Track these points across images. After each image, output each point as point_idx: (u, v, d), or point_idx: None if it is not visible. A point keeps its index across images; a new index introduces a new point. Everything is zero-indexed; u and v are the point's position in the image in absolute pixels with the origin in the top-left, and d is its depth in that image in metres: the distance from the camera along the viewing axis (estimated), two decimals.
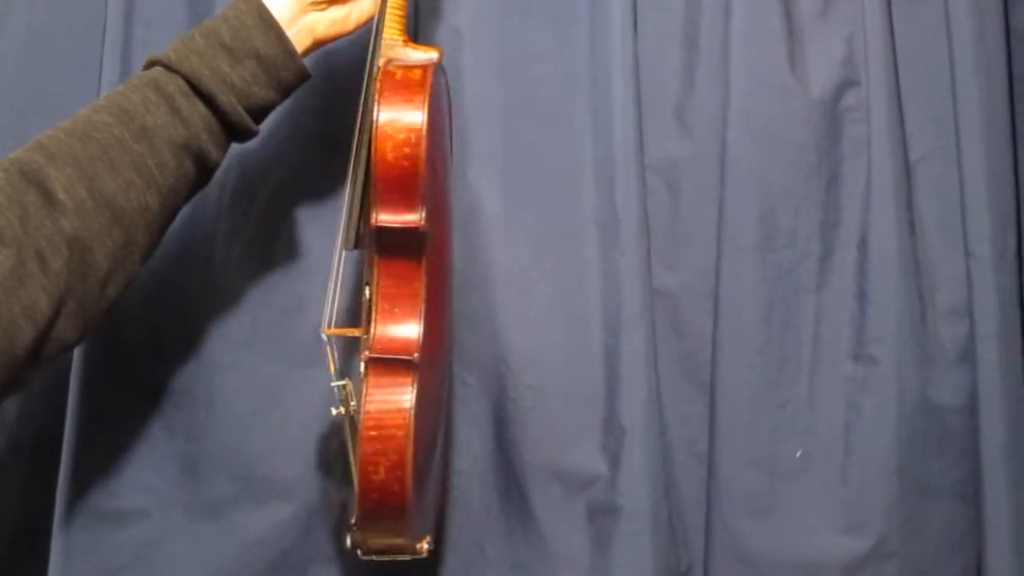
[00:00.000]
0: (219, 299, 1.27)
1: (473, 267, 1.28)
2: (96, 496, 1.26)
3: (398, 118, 1.05)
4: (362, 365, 1.08)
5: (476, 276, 1.28)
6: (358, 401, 1.09)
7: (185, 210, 1.07)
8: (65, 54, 1.31)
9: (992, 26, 1.29)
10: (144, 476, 1.26)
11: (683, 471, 1.30)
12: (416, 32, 1.29)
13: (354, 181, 1.10)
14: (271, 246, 1.29)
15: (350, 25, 1.14)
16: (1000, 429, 1.25)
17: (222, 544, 1.26)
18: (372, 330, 1.08)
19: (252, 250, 1.29)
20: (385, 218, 1.06)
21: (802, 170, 1.29)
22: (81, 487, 1.26)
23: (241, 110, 1.04)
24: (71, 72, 1.31)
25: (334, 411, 1.13)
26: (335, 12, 1.12)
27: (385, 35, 1.13)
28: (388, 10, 1.13)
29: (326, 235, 1.24)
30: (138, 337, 1.28)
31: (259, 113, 1.08)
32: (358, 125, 1.10)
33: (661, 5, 1.31)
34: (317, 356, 1.25)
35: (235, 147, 1.09)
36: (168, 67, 1.02)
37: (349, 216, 1.10)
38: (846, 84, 1.29)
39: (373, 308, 1.09)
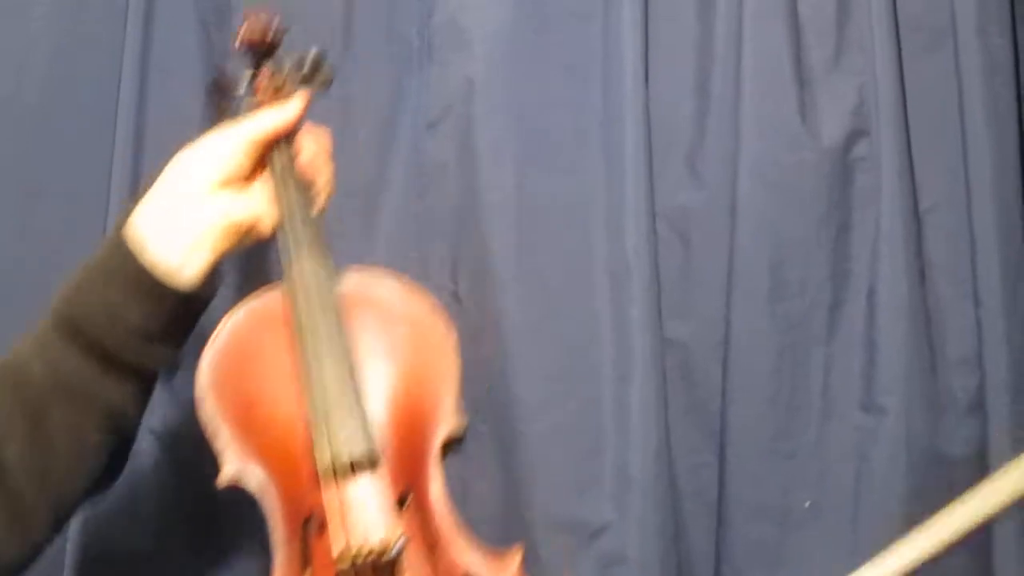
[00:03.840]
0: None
1: (485, 316, 1.28)
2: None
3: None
4: None
5: (488, 325, 1.28)
6: None
7: None
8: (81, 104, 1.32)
9: (1003, 77, 1.29)
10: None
11: (692, 521, 1.30)
12: (430, 81, 1.30)
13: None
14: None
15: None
16: None
17: None
18: None
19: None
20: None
21: (813, 219, 1.29)
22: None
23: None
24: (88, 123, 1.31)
25: None
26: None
27: None
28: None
29: None
30: None
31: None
32: None
33: (673, 54, 1.32)
34: None
35: None
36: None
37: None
38: (857, 134, 1.30)
39: None
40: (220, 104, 1.21)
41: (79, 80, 1.33)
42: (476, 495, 1.29)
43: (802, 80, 1.30)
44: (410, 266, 1.28)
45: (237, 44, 1.13)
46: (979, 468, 1.26)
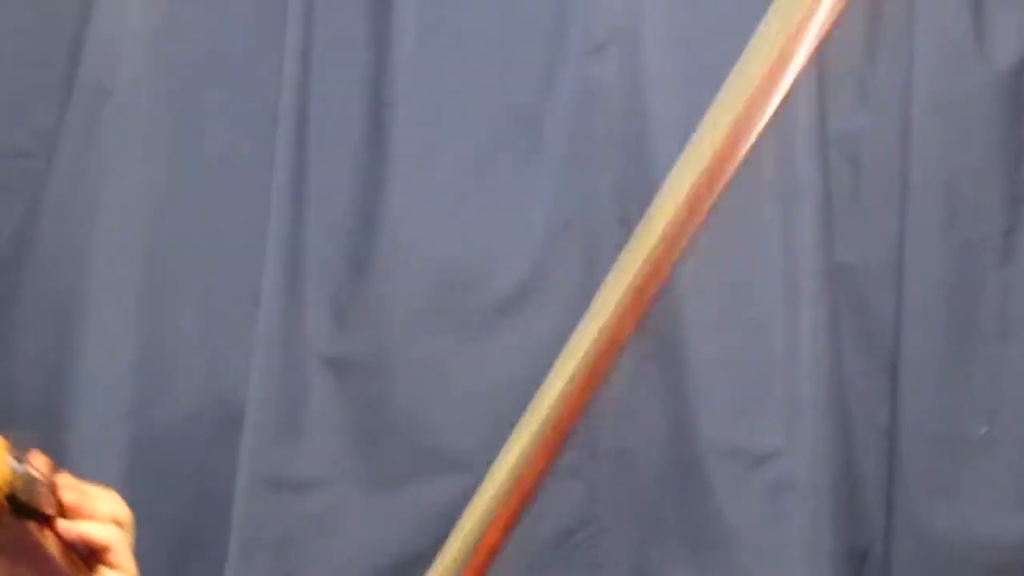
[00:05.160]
0: (398, 272, 1.27)
1: None
2: (274, 466, 1.26)
3: None
4: None
5: None
6: None
7: None
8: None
9: None
10: (322, 447, 1.26)
11: (863, 448, 1.28)
12: (595, 4, 1.29)
13: None
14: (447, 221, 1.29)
15: None
16: None
17: (399, 516, 1.27)
18: None
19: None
20: None
21: (987, 144, 1.27)
22: (260, 457, 1.26)
23: None
24: None
25: None
26: None
27: None
28: None
29: (503, 213, 1.25)
30: (317, 308, 1.28)
31: None
32: None
33: None
34: (494, 329, 1.26)
35: None
36: None
37: None
38: None
39: None
40: None
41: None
42: (644, 420, 1.28)
43: (976, 2, 1.27)
44: (577, 192, 1.27)
45: None
46: None
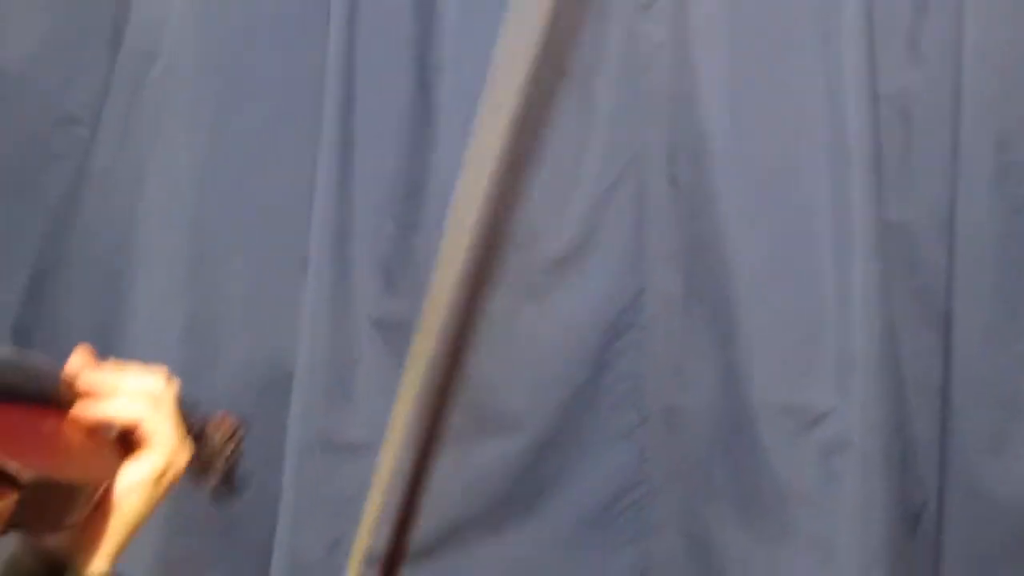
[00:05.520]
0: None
1: (701, 199, 1.26)
2: (326, 430, 1.26)
3: None
4: None
5: (703, 208, 1.26)
6: None
7: None
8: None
9: None
10: (373, 409, 1.26)
11: (916, 406, 1.27)
12: None
13: None
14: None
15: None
16: None
17: (451, 475, 1.26)
18: None
19: None
20: None
21: None
22: (311, 421, 1.26)
23: None
24: None
25: None
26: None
27: None
28: None
29: (553, 172, 1.24)
30: (366, 270, 1.28)
31: None
32: None
33: None
34: (545, 288, 1.26)
35: None
36: None
37: None
38: None
39: None
40: None
41: None
42: (694, 380, 1.28)
43: None
44: (627, 150, 1.26)
45: None
46: None
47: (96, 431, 0.74)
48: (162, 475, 0.77)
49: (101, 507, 0.73)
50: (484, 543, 1.26)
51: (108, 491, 0.73)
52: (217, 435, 0.90)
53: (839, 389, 1.23)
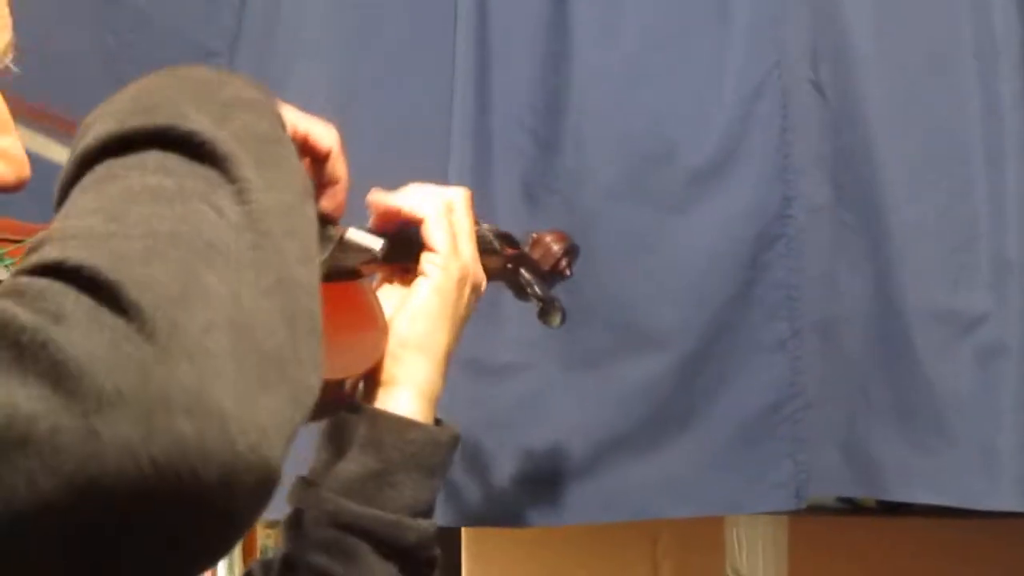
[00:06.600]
0: (587, 150, 1.26)
1: (846, 104, 1.24)
2: (477, 350, 1.25)
3: None
4: None
5: (849, 113, 1.24)
6: None
7: None
8: None
9: None
10: (523, 329, 1.25)
11: None
12: None
13: None
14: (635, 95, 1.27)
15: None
16: None
17: (600, 395, 1.25)
18: None
19: None
20: None
21: None
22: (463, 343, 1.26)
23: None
24: None
25: None
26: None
27: None
28: None
29: (692, 83, 1.22)
30: (506, 190, 1.27)
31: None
32: None
33: None
34: (689, 202, 1.24)
35: None
36: None
37: None
38: None
39: None
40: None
41: None
42: (846, 290, 1.25)
43: None
44: (768, 54, 1.24)
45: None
46: None
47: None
48: (448, 291, 0.80)
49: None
50: (637, 463, 1.25)
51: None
52: (537, 253, 0.93)
53: (994, 294, 1.20)
